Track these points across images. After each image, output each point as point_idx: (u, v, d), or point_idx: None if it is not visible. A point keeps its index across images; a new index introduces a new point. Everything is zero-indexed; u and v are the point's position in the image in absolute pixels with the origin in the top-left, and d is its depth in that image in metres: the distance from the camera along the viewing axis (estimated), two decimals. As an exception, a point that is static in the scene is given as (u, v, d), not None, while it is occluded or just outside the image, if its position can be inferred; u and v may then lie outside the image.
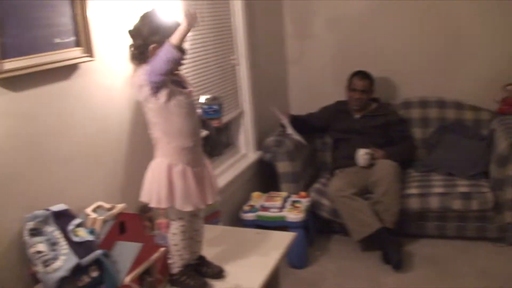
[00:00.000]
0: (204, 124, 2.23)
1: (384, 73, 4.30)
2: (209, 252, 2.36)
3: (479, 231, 3.65)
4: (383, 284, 3.27)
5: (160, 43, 2.00)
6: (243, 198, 3.64)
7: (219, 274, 2.24)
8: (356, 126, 4.03)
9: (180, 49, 1.91)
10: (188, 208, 2.08)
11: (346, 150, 3.93)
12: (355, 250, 3.57)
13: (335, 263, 3.52)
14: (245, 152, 3.89)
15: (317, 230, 3.76)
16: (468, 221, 3.64)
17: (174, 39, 1.91)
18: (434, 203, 3.59)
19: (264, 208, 3.47)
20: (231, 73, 3.72)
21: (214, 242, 2.56)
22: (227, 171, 3.58)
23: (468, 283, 3.22)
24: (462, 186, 3.62)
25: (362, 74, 4.06)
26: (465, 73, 4.23)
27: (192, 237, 2.24)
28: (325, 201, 3.69)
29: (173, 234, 2.16)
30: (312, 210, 3.66)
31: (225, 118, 3.58)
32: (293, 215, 3.39)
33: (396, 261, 3.36)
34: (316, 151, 4.33)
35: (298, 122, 4.05)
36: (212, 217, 2.94)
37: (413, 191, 3.65)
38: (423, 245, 3.67)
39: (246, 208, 3.49)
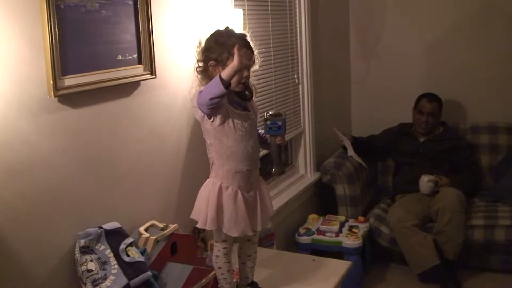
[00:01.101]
0: (266, 141, 2.17)
1: (452, 96, 4.15)
2: (259, 275, 2.31)
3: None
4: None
5: (219, 61, 1.98)
6: (299, 220, 3.56)
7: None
8: (421, 150, 3.88)
9: (226, 84, 1.86)
10: (235, 234, 2.04)
11: (408, 175, 3.79)
12: (413, 282, 3.41)
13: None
14: (304, 173, 3.82)
15: (374, 258, 3.62)
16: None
17: (224, 73, 1.87)
18: (499, 235, 3.40)
19: (320, 232, 3.38)
20: (293, 92, 3.66)
21: (266, 265, 2.51)
22: (284, 191, 3.51)
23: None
24: (531, 219, 3.41)
25: (430, 96, 3.91)
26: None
27: (244, 262, 2.19)
28: (384, 229, 3.56)
29: (216, 257, 2.12)
30: (370, 236, 3.54)
31: (287, 137, 3.53)
32: (350, 241, 3.29)
33: None
34: (377, 175, 4.20)
35: (359, 144, 3.95)
36: (266, 239, 2.89)
37: (478, 222, 3.47)
38: (486, 279, 3.47)
39: (301, 231, 3.42)
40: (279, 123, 2.08)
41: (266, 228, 2.26)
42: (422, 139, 3.93)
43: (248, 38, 2.08)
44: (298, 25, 3.65)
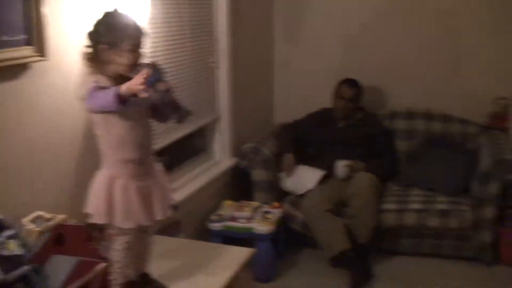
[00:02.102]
0: (159, 107, 2.04)
1: (372, 82, 4.17)
2: (158, 267, 2.26)
3: (456, 250, 3.53)
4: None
5: (112, 46, 1.90)
6: (214, 207, 3.52)
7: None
8: (339, 135, 3.91)
9: (122, 101, 1.78)
10: (129, 225, 1.99)
11: (326, 161, 3.81)
12: (326, 266, 3.44)
13: (303, 278, 3.40)
14: (219, 159, 3.79)
15: (288, 243, 3.64)
16: (445, 239, 3.52)
17: (123, 88, 1.79)
18: (410, 219, 3.48)
19: (233, 218, 3.36)
20: (209, 77, 3.60)
21: (168, 256, 2.47)
22: (198, 177, 3.47)
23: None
24: (441, 203, 3.51)
25: (351, 82, 3.93)
26: (454, 85, 4.10)
27: (138, 254, 2.14)
28: (298, 214, 3.57)
29: (115, 250, 2.06)
30: (284, 222, 3.54)
31: (200, 123, 3.49)
32: (262, 227, 3.28)
33: (354, 284, 3.26)
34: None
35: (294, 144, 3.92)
36: (171, 229, 2.84)
37: (390, 206, 3.54)
38: (396, 262, 3.55)
39: (214, 217, 3.38)
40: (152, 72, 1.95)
41: (166, 217, 2.21)
42: (341, 125, 3.95)
43: (139, 24, 2.00)
44: (216, 6, 3.58)
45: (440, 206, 3.47)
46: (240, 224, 3.31)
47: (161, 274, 2.26)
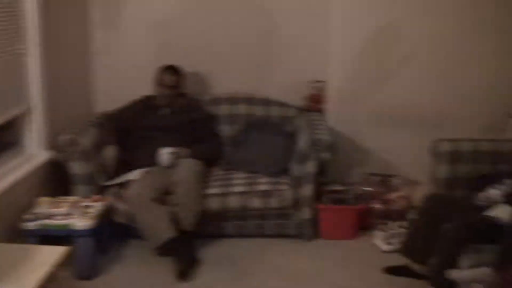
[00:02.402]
0: None
1: (194, 68, 4.15)
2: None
3: (278, 228, 3.67)
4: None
5: None
6: (29, 206, 3.28)
7: None
8: (162, 122, 3.85)
9: None
10: None
11: (150, 149, 3.72)
12: (152, 256, 3.39)
13: (130, 271, 3.31)
14: (33, 153, 3.53)
15: (113, 237, 3.53)
16: (268, 219, 3.64)
17: None
18: (234, 202, 3.54)
19: (49, 216, 3.15)
20: (17, 65, 3.33)
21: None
22: (7, 174, 3.19)
23: (263, 281, 3.21)
24: (263, 184, 3.60)
25: (172, 69, 3.88)
26: (274, 70, 4.20)
27: None
28: (122, 205, 3.46)
29: None
30: (107, 215, 3.41)
31: (7, 115, 3.23)
32: (81, 223, 3.12)
33: (180, 272, 3.24)
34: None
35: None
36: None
37: (214, 190, 3.56)
38: (223, 245, 3.60)
39: (28, 216, 3.15)
40: None
41: None
42: (164, 112, 3.89)
43: None
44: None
45: (262, 187, 3.56)
46: (57, 221, 3.12)
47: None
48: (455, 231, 2.77)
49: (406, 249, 3.20)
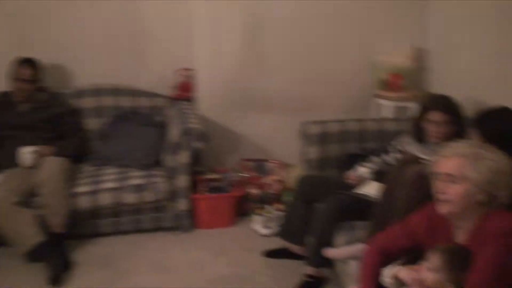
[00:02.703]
0: None
1: (54, 60, 3.89)
2: None
3: (155, 222, 3.57)
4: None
5: None
6: None
7: None
8: (21, 120, 3.56)
9: None
10: None
11: (9, 149, 3.43)
12: (23, 264, 3.14)
13: (-4, 281, 3.06)
14: None
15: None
16: (144, 214, 3.52)
17: None
18: (105, 199, 3.37)
19: None
20: None
21: None
22: None
23: (142, 278, 3.10)
24: (135, 178, 3.46)
25: (27, 62, 3.60)
26: (141, 61, 4.05)
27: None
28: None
29: None
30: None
31: None
32: None
33: (52, 277, 3.04)
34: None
35: None
36: None
37: (83, 188, 3.36)
38: (98, 245, 3.43)
39: None
40: None
41: None
42: (22, 108, 3.61)
43: None
44: None
45: (134, 181, 3.42)
46: None
47: None
48: (327, 210, 2.84)
49: (283, 232, 3.24)
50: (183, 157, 3.45)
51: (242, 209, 3.79)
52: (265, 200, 3.78)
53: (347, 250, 2.67)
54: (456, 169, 1.85)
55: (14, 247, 3.13)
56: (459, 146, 1.92)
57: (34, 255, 3.10)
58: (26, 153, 3.37)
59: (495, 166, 1.85)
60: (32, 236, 3.09)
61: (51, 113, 3.65)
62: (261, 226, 3.61)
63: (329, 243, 2.80)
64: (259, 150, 4.09)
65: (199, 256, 3.34)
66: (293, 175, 3.68)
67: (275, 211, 3.65)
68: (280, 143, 4.02)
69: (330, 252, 2.74)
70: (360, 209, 2.77)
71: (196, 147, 3.45)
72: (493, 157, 1.87)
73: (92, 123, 3.87)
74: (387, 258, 2.11)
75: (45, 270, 3.06)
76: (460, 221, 1.91)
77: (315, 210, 2.91)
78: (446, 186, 1.86)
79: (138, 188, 3.40)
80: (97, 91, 3.92)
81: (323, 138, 3.40)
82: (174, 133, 3.49)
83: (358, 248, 2.57)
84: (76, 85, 3.96)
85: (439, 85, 3.76)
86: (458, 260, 1.84)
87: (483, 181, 1.83)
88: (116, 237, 3.51)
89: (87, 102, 3.87)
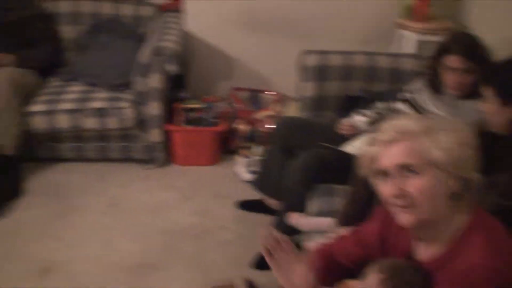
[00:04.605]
0: None
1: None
2: None
3: (123, 152, 3.11)
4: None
5: None
6: None
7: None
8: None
9: None
10: None
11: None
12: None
13: None
14: None
15: None
16: (110, 141, 3.07)
17: None
18: (63, 122, 2.91)
19: None
20: None
21: None
22: None
23: (94, 218, 2.69)
24: (98, 100, 2.97)
25: None
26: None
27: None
28: None
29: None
30: None
31: None
32: None
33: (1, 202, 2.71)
34: None
35: None
36: None
37: (38, 107, 2.92)
38: (56, 171, 3.06)
39: None
40: None
41: None
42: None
43: None
44: None
45: (96, 105, 2.93)
46: None
47: None
48: (303, 166, 2.27)
49: (258, 181, 2.70)
50: (154, 81, 2.90)
51: (228, 146, 3.26)
52: (253, 139, 3.22)
53: (314, 222, 2.13)
54: (411, 153, 1.23)
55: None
56: (398, 124, 1.27)
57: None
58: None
59: (459, 137, 1.22)
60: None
61: (17, 15, 3.15)
62: (245, 169, 3.07)
63: (300, 208, 2.25)
64: (254, 79, 3.47)
65: (164, 198, 2.88)
66: (290, 111, 3.10)
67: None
68: (281, 72, 3.36)
69: (294, 218, 2.21)
70: (344, 171, 2.17)
71: (168, 70, 2.89)
72: (451, 127, 1.25)
73: (66, 31, 3.36)
74: (337, 270, 1.53)
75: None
76: (427, 231, 1.30)
77: (290, 167, 2.34)
78: (402, 183, 1.25)
79: (100, 112, 2.92)
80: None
81: (322, 72, 2.75)
82: (145, 51, 2.94)
83: (326, 223, 2.03)
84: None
85: (477, 17, 2.98)
86: (402, 283, 1.27)
87: (450, 159, 1.20)
88: (78, 163, 3.11)
89: (62, 6, 3.35)
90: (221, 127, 3.16)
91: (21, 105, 2.88)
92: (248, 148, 3.17)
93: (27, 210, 2.72)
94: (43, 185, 2.92)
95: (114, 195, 2.87)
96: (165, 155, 3.12)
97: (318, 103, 2.78)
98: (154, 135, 3.04)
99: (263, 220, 2.63)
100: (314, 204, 2.21)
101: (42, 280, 2.27)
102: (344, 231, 1.77)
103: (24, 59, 3.07)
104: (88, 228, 2.62)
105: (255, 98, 3.39)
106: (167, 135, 3.09)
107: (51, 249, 2.45)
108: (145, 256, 2.44)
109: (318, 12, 3.32)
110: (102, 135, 3.02)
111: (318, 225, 2.08)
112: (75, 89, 3.06)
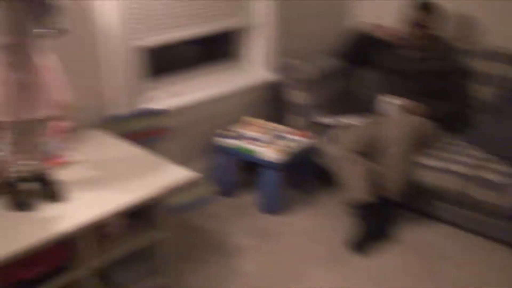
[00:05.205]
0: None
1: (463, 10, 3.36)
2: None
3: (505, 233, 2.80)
4: (342, 260, 2.72)
5: None
6: (232, 121, 3.20)
7: (52, 196, 1.94)
8: (406, 66, 3.20)
9: None
10: (7, 118, 1.81)
11: (376, 93, 3.23)
12: (341, 209, 3.05)
13: (311, 218, 3.04)
14: (251, 68, 3.36)
15: (310, 177, 3.23)
16: (494, 218, 2.79)
17: None
18: (450, 183, 2.81)
19: (241, 137, 3.02)
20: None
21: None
22: (217, 84, 3.13)
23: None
24: (491, 172, 2.75)
25: (424, 6, 3.15)
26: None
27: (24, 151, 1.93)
28: (331, 149, 3.10)
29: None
30: (306, 154, 3.11)
31: (227, 24, 3.12)
32: (267, 153, 2.89)
33: (357, 240, 2.81)
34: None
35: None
36: (152, 134, 2.63)
37: (430, 162, 2.89)
38: (426, 228, 2.99)
39: (222, 132, 3.06)
40: None
41: (48, 115, 1.91)
42: (411, 55, 3.23)
43: None
44: None
45: (488, 176, 2.73)
46: (243, 144, 2.96)
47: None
48: None
49: None
50: None
51: None
52: None
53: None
54: None
55: (343, 191, 3.00)
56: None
57: (356, 211, 2.92)
58: (390, 104, 3.08)
59: None
60: (359, 190, 2.89)
61: (442, 66, 3.19)
62: None
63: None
64: None
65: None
66: None
67: None
68: None
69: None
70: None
71: None
72: None
73: (479, 91, 3.24)
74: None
75: (356, 228, 2.87)
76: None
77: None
78: None
79: (490, 185, 2.72)
80: (492, 55, 3.21)
81: None
82: None
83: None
84: (481, 43, 3.35)
85: None
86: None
87: None
88: (452, 228, 2.98)
89: (478, 65, 3.23)
90: None
91: (414, 153, 2.93)
92: None
93: (388, 255, 2.75)
94: (410, 238, 2.90)
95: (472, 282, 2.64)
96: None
97: None
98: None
99: None
100: None
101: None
102: None
103: (434, 111, 3.09)
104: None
105: None
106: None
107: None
108: None
109: None
110: (489, 209, 2.79)
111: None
112: (472, 153, 2.94)
